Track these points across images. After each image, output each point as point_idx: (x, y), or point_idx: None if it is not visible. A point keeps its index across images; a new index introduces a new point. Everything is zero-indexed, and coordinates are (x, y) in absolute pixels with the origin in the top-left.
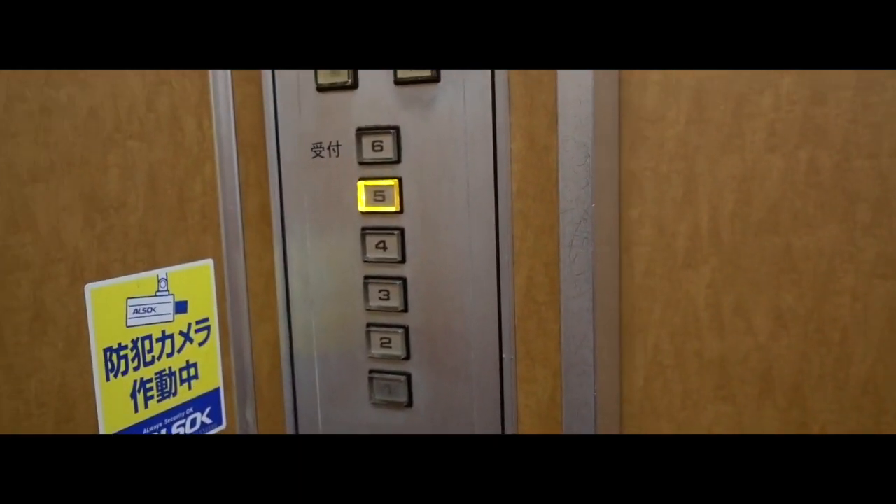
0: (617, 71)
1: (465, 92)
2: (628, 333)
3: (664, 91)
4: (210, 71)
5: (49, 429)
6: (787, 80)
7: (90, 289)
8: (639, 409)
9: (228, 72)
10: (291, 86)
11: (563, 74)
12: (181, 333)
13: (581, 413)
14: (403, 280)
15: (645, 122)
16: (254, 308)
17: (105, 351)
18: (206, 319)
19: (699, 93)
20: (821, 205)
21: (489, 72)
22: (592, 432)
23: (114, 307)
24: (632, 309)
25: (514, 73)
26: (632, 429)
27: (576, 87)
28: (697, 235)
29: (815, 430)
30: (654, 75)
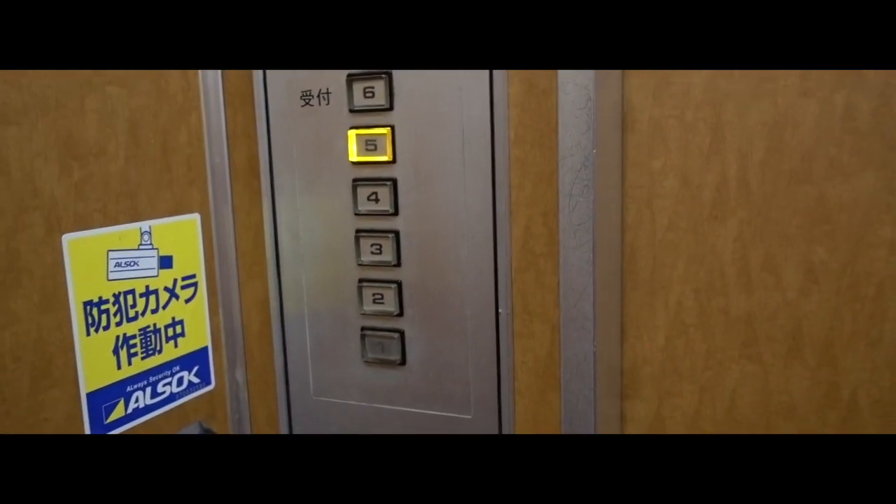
0: None
1: None
2: (650, 290)
3: None
4: None
5: (26, 383)
6: None
7: (68, 239)
8: (660, 370)
9: None
10: None
11: None
12: (166, 289)
13: (580, 369)
14: (396, 233)
15: None
16: (243, 264)
17: (85, 305)
18: (193, 276)
19: None
20: (857, 152)
21: None
22: (592, 389)
23: (94, 260)
24: (653, 264)
25: None
26: (652, 390)
27: None
28: (725, 186)
29: (844, 390)
30: None
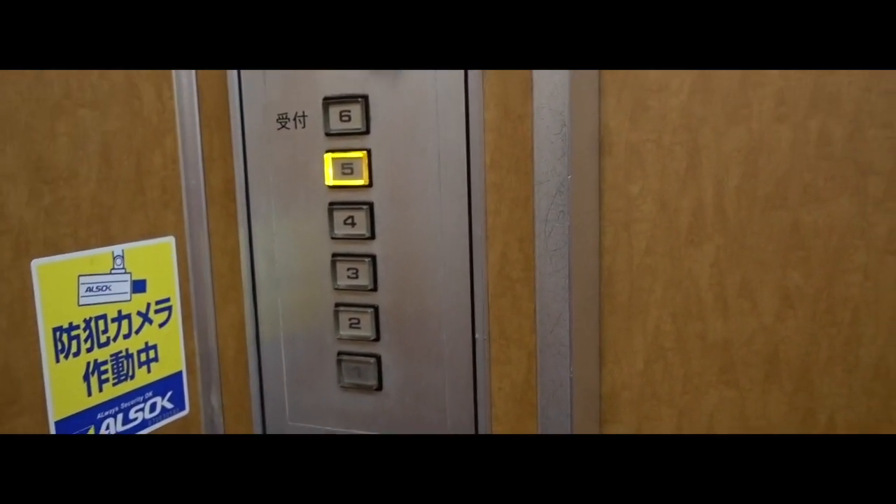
0: None
1: None
2: (627, 314)
3: None
4: None
5: None
6: None
7: (37, 264)
8: (639, 395)
9: None
10: None
11: None
12: (139, 314)
13: (557, 395)
14: (373, 257)
15: (647, 91)
16: (218, 288)
17: (54, 330)
18: (168, 300)
19: None
20: (831, 177)
21: None
22: (568, 415)
23: (64, 284)
24: (631, 288)
25: None
26: (631, 415)
27: None
28: (701, 211)
29: (822, 415)
30: None
